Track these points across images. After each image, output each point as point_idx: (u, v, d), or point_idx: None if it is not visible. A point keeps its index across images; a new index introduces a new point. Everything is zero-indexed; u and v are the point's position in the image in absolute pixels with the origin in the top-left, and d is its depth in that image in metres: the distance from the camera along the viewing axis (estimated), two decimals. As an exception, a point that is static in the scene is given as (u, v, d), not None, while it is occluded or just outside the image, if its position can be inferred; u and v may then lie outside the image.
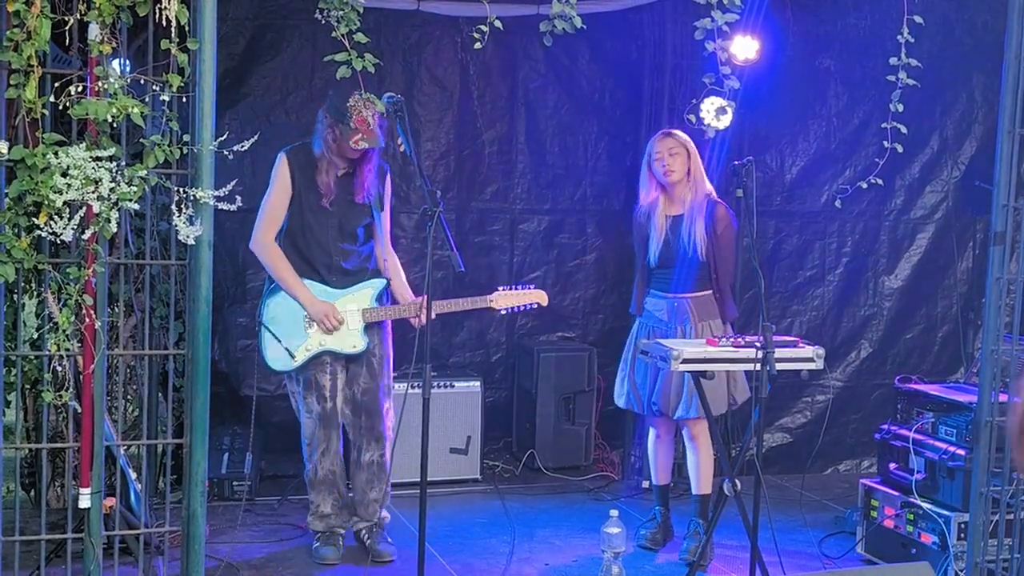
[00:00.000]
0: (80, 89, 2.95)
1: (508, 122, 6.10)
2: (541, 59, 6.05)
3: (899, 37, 3.71)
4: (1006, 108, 3.76)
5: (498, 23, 3.38)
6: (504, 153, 6.12)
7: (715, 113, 4.30)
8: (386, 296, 4.49)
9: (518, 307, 4.49)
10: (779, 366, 3.90)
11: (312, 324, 4.34)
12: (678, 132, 4.65)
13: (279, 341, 4.31)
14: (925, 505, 4.39)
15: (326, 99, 4.38)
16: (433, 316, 4.01)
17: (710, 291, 4.66)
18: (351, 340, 4.38)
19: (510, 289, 4.49)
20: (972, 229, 6.39)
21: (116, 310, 3.40)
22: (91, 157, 2.88)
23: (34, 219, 2.94)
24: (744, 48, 4.47)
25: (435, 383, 5.34)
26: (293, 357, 4.33)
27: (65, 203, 2.87)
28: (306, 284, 4.35)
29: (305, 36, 5.65)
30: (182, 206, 3.02)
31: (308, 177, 4.31)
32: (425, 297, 3.95)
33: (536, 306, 4.53)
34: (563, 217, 6.23)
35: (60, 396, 3.07)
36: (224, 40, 4.99)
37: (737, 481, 4.07)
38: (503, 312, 4.52)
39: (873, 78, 5.58)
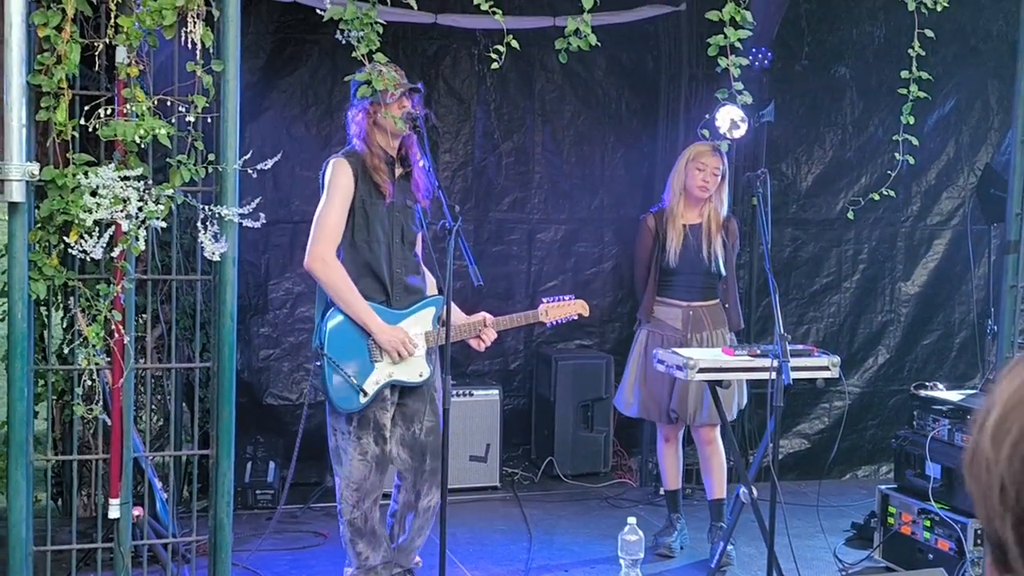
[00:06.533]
0: (108, 111, 3.02)
1: (525, 133, 6.15)
2: (558, 70, 6.10)
3: (910, 51, 3.74)
4: (1019, 118, 3.79)
5: (515, 43, 3.43)
6: (521, 164, 6.17)
7: (730, 125, 4.34)
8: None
9: (562, 319, 4.17)
10: (794, 375, 3.94)
11: (379, 353, 3.81)
12: (724, 153, 4.64)
13: (347, 377, 3.74)
14: (942, 511, 4.42)
15: (345, 108, 4.04)
16: (495, 335, 3.99)
17: (719, 300, 4.74)
18: (418, 368, 3.89)
19: (552, 301, 4.15)
20: (988, 235, 6.40)
21: (142, 322, 3.47)
22: (119, 177, 2.95)
23: (64, 237, 3.02)
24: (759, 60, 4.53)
25: (454, 391, 5.33)
26: (363, 394, 3.77)
27: (95, 222, 2.95)
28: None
29: (324, 50, 5.72)
30: (207, 223, 3.09)
31: (368, 180, 3.78)
32: (485, 315, 3.98)
33: (578, 317, 4.22)
34: (580, 226, 6.28)
35: (91, 409, 3.13)
36: (244, 54, 5.05)
37: (753, 488, 4.11)
38: (550, 326, 4.22)
39: (889, 86, 5.59)
